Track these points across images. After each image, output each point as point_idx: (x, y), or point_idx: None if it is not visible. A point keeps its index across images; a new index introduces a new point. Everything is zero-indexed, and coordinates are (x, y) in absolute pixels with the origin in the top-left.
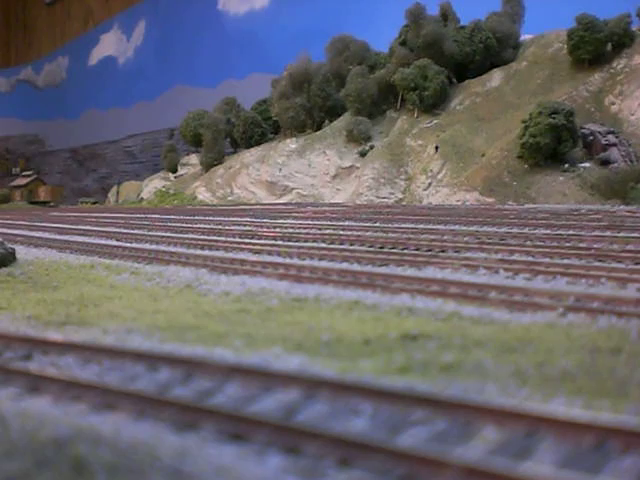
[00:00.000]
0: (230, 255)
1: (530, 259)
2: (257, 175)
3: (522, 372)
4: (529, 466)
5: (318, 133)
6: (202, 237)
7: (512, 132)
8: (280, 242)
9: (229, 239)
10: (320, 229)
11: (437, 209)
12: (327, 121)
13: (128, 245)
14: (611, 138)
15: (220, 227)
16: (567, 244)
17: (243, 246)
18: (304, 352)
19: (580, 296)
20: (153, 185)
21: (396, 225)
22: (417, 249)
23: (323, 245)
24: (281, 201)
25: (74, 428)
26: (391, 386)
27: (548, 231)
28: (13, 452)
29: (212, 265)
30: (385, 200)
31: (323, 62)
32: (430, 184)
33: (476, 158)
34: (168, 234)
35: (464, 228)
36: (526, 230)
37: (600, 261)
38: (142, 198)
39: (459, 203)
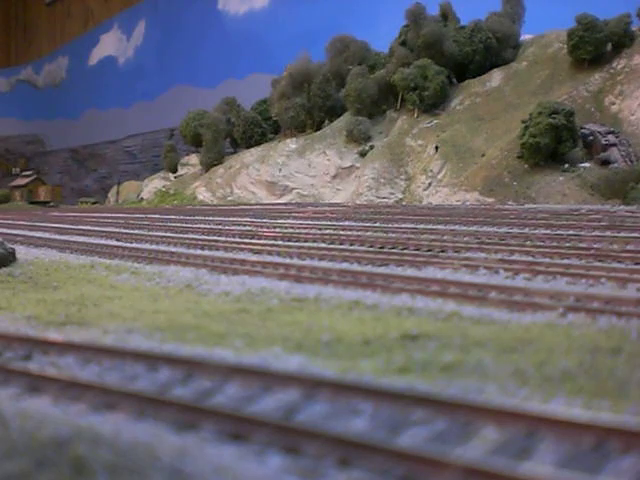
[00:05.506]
0: (230, 255)
1: (530, 259)
2: (257, 175)
3: (522, 372)
4: (529, 466)
5: (318, 133)
6: (202, 237)
7: (512, 132)
8: (280, 242)
9: (229, 239)
10: (320, 229)
11: (437, 209)
12: (327, 121)
13: (128, 245)
14: (611, 138)
15: (220, 227)
16: (567, 244)
17: (243, 246)
18: (304, 352)
19: (580, 296)
20: (153, 185)
21: (396, 225)
22: (417, 249)
23: (323, 245)
24: (281, 201)
25: (74, 428)
26: (391, 386)
27: (548, 231)
28: (13, 452)
29: (212, 265)
30: (385, 200)
31: (323, 62)
32: (430, 184)
33: (476, 158)
34: (168, 234)
35: (464, 228)
36: (526, 230)
37: (600, 261)
38: (142, 198)
39: (459, 203)
